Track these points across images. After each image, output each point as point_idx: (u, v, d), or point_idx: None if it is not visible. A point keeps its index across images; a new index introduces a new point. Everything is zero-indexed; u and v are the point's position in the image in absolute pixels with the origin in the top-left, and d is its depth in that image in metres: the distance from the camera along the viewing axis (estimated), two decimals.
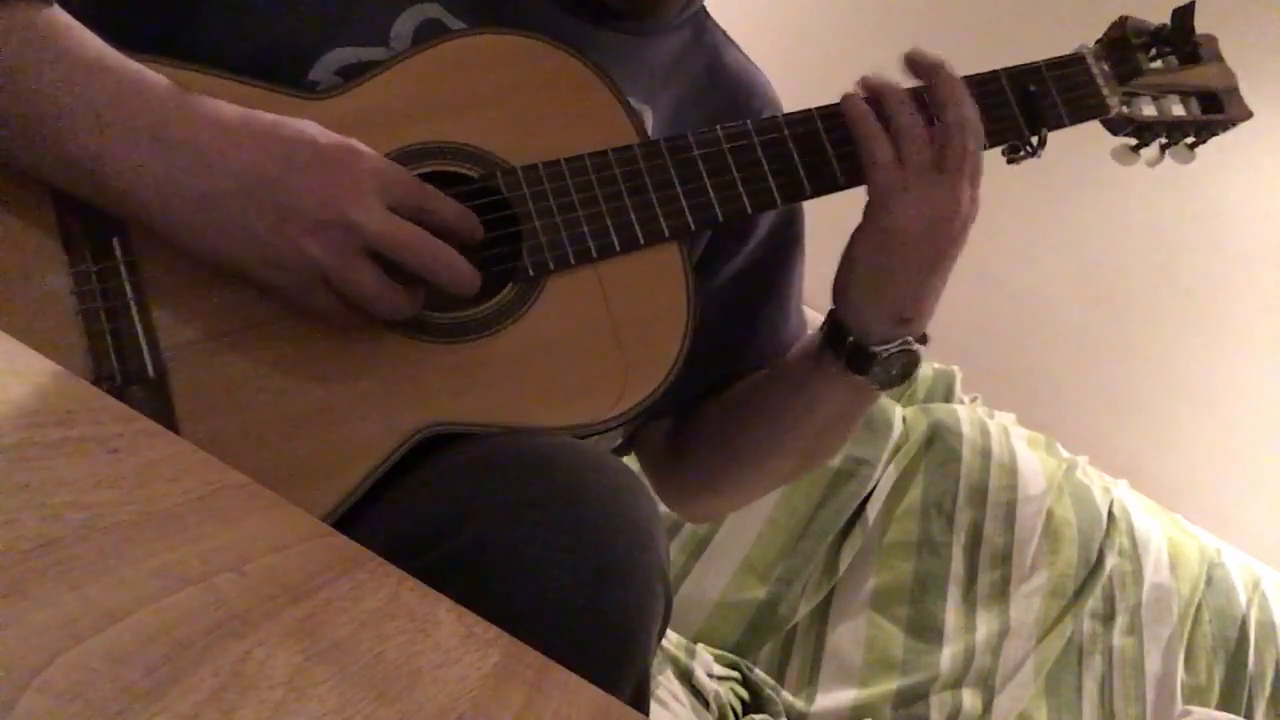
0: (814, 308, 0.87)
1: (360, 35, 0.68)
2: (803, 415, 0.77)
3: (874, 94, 0.69)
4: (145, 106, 0.55)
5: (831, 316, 0.73)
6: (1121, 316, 1.92)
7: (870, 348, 0.71)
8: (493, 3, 0.72)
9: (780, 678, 1.49)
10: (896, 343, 0.71)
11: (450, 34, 0.68)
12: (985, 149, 0.74)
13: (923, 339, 0.73)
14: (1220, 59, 0.85)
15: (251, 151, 0.56)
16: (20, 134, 0.54)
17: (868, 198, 0.70)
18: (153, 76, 0.57)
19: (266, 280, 0.57)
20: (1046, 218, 1.89)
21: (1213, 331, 1.89)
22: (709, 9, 0.85)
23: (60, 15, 0.56)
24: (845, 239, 0.72)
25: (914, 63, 0.70)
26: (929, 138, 0.67)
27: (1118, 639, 1.56)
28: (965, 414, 1.64)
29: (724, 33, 0.86)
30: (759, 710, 1.40)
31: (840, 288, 0.72)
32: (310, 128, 0.58)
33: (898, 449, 1.58)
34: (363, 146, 0.59)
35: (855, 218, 0.71)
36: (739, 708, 1.39)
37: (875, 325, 0.71)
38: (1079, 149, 0.82)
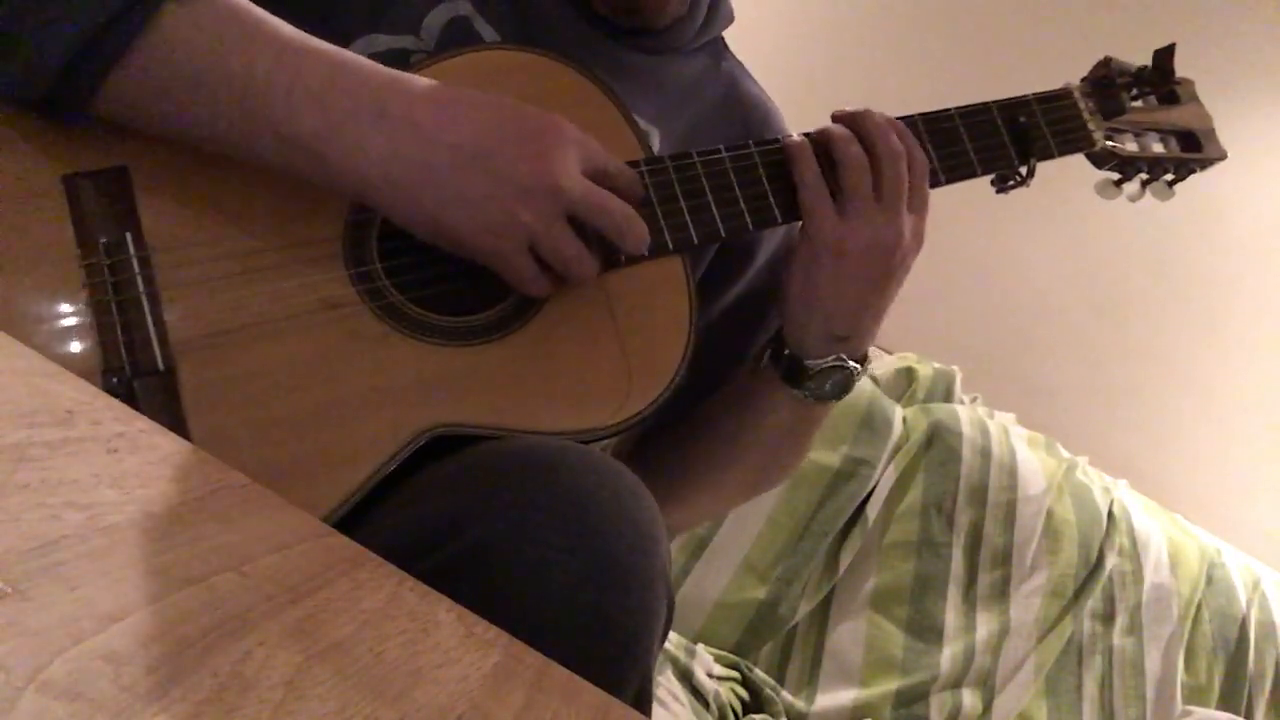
0: None
1: (394, 24, 0.70)
2: (751, 427, 0.78)
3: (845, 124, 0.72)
4: (362, 84, 0.58)
5: (776, 331, 0.76)
6: (1121, 316, 1.92)
7: (804, 361, 0.73)
8: (520, 9, 0.73)
9: (780, 678, 1.49)
10: (830, 359, 0.73)
11: (462, 49, 0.69)
12: (977, 176, 0.77)
13: (863, 359, 0.75)
14: (1197, 100, 0.89)
15: (467, 124, 0.59)
16: (237, 117, 0.56)
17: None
18: (358, 57, 0.59)
19: (481, 246, 0.60)
20: (1046, 218, 1.89)
21: (1213, 331, 1.89)
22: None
23: (246, 1, 0.58)
24: None
25: (840, 115, 0.73)
26: (866, 166, 0.70)
27: (1118, 639, 1.56)
28: (965, 414, 1.64)
29: (740, 64, 0.87)
30: (759, 710, 1.40)
31: (780, 301, 0.74)
32: (512, 101, 0.61)
33: (898, 449, 1.58)
34: (562, 119, 0.62)
35: None
36: (739, 708, 1.39)
37: (810, 340, 0.73)
38: (1068, 157, 0.84)
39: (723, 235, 0.70)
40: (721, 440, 0.80)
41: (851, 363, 0.74)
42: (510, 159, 0.58)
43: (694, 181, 0.69)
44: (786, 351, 0.74)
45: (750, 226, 0.71)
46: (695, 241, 0.69)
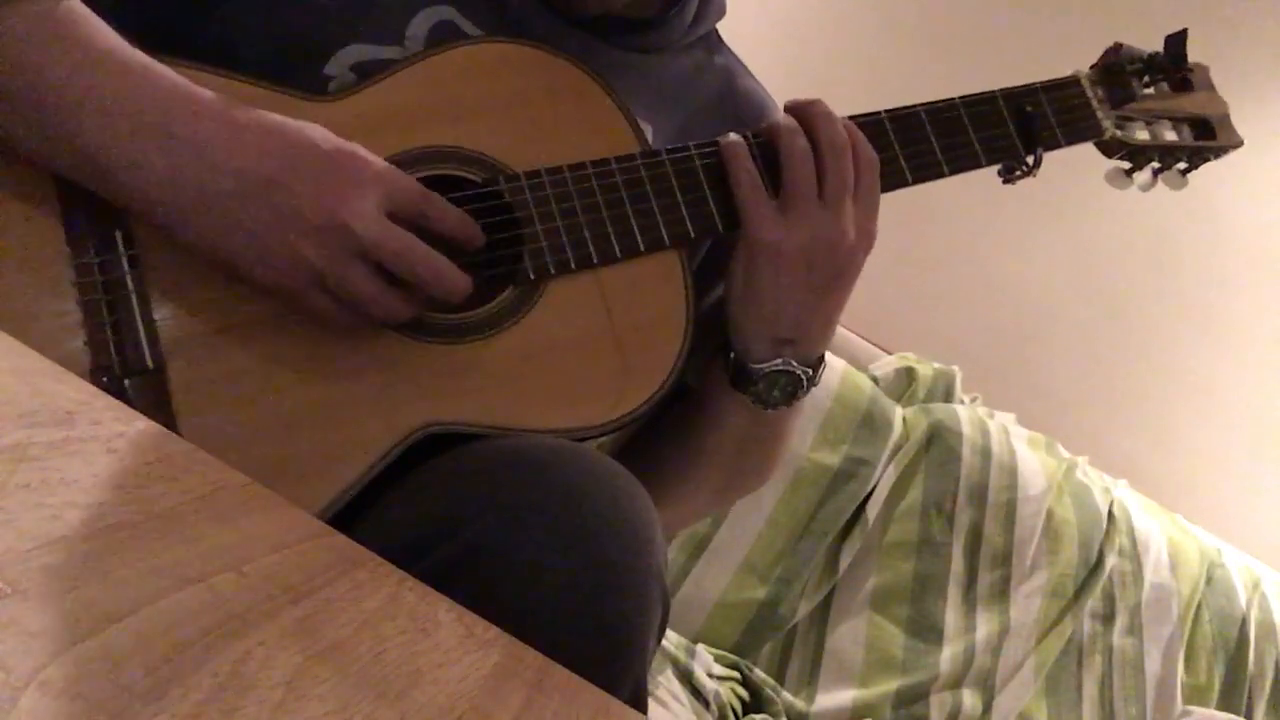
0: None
1: (376, 34, 0.69)
2: (709, 432, 0.76)
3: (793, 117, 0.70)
4: (152, 101, 0.56)
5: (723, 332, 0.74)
6: (1121, 316, 1.92)
7: (749, 365, 0.70)
8: (503, 10, 0.72)
9: (780, 678, 1.49)
10: (776, 362, 0.70)
11: (457, 41, 0.68)
12: (981, 167, 0.75)
13: (815, 363, 0.72)
14: (1211, 87, 0.87)
15: (255, 151, 0.56)
16: (35, 126, 0.55)
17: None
18: (162, 71, 0.57)
19: (262, 279, 0.57)
20: (1046, 218, 1.89)
21: (1213, 332, 1.89)
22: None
23: (77, 6, 0.57)
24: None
25: (791, 106, 0.71)
26: (810, 159, 0.68)
27: (1118, 639, 1.56)
28: (965, 414, 1.64)
29: (736, 58, 0.86)
30: (759, 710, 1.40)
31: (723, 303, 0.72)
32: (316, 131, 0.58)
33: (898, 449, 1.58)
34: (366, 152, 0.59)
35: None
36: (739, 708, 1.39)
37: (753, 343, 0.70)
38: (1078, 149, 0.83)
39: (719, 229, 0.69)
40: (683, 446, 0.78)
41: (800, 367, 0.70)
42: (296, 193, 0.56)
43: (691, 175, 0.69)
44: (732, 355, 0.71)
45: (698, 231, 0.69)
46: (692, 236, 0.68)
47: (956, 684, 1.47)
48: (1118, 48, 0.83)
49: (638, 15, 0.76)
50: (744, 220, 0.68)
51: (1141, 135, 0.83)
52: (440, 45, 0.68)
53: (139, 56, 0.57)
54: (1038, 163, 0.77)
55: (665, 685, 1.30)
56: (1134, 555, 1.60)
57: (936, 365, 1.75)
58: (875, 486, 1.55)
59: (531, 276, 0.65)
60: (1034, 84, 0.78)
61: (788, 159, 0.68)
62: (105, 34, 0.57)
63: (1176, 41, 0.83)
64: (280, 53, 0.66)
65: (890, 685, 1.45)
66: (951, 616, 1.51)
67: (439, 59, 0.67)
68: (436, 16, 0.70)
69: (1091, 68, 0.82)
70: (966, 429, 1.61)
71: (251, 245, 0.56)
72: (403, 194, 0.59)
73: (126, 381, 0.56)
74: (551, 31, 0.73)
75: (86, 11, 0.57)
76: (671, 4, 0.78)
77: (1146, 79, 0.83)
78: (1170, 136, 0.84)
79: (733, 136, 0.69)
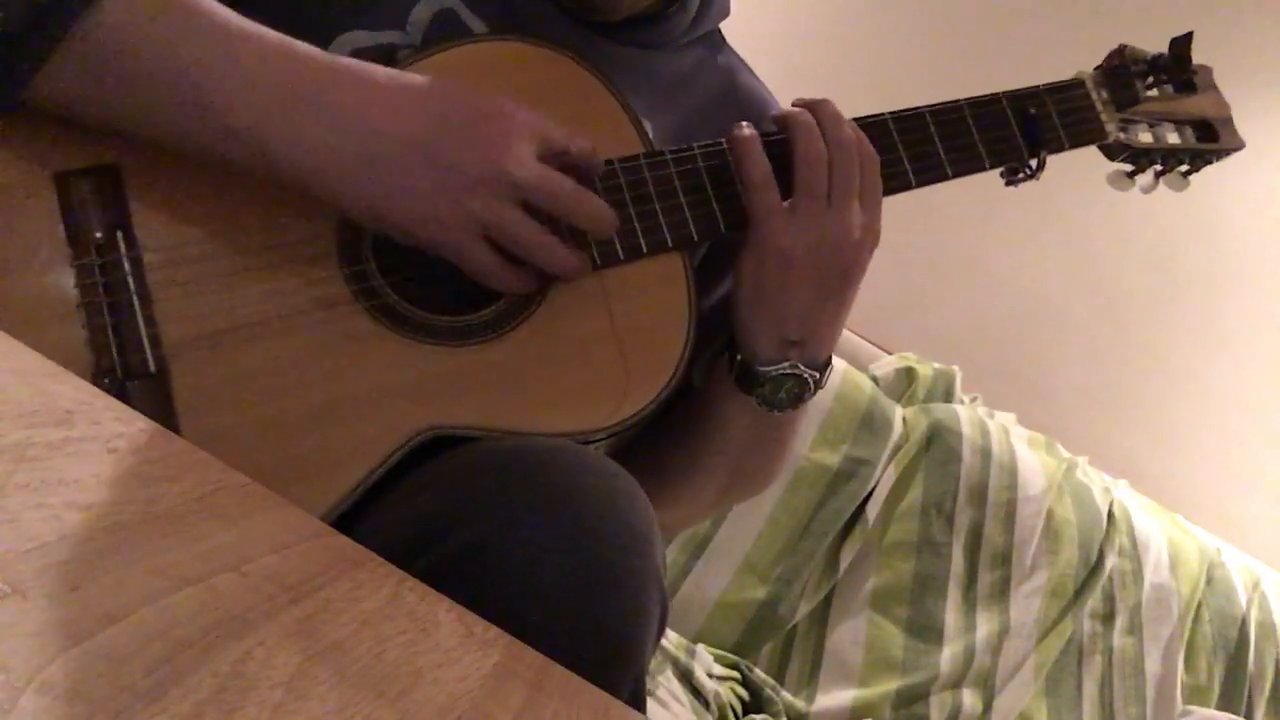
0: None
1: (379, 19, 0.69)
2: (714, 433, 0.76)
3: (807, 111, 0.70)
4: (300, 73, 0.56)
5: (730, 335, 0.73)
6: (1121, 316, 1.92)
7: (755, 367, 0.70)
8: (503, 4, 0.72)
9: (780, 678, 1.49)
10: (784, 365, 0.69)
11: (460, 40, 0.68)
12: (985, 170, 0.75)
13: (822, 366, 0.71)
14: (1215, 89, 0.87)
15: (409, 112, 0.57)
16: (179, 107, 0.55)
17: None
18: (299, 44, 0.58)
19: (427, 237, 0.58)
20: (1047, 218, 1.89)
21: (1213, 332, 1.89)
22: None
23: None
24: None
25: (800, 104, 0.70)
26: (825, 161, 0.67)
27: (1118, 639, 1.56)
28: (965, 414, 1.64)
29: (739, 57, 0.86)
30: (759, 710, 1.40)
31: (730, 304, 0.71)
32: (459, 86, 0.60)
33: (898, 449, 1.58)
34: (511, 101, 0.60)
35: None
36: (739, 708, 1.39)
37: (760, 345, 0.70)
38: (1078, 150, 0.83)
39: (722, 231, 0.69)
40: (686, 448, 0.78)
41: (807, 370, 0.70)
42: (455, 147, 0.57)
43: (694, 176, 0.68)
44: (739, 357, 0.71)
45: (723, 228, 0.69)
46: (695, 239, 0.68)
47: (956, 684, 1.47)
48: (1122, 49, 0.82)
49: (640, 10, 0.76)
50: (755, 221, 0.68)
51: (1145, 138, 0.83)
52: (442, 43, 0.67)
53: (271, 31, 0.57)
54: (1041, 165, 0.76)
55: (665, 685, 1.30)
56: (1134, 555, 1.60)
57: (936, 365, 1.75)
58: (875, 486, 1.55)
59: None
60: (1038, 86, 0.78)
61: (803, 159, 0.67)
62: (228, 10, 0.57)
63: (1182, 44, 0.83)
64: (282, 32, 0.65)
65: (890, 685, 1.45)
66: (951, 616, 1.51)
67: (441, 57, 0.67)
68: (439, 4, 0.70)
69: (1096, 69, 0.82)
70: (966, 429, 1.61)
71: (415, 205, 0.57)
72: (553, 135, 0.61)
73: (128, 385, 0.56)
74: (553, 26, 0.73)
75: None
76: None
77: (1151, 81, 0.83)
78: (1173, 139, 0.84)
79: (746, 130, 0.68)
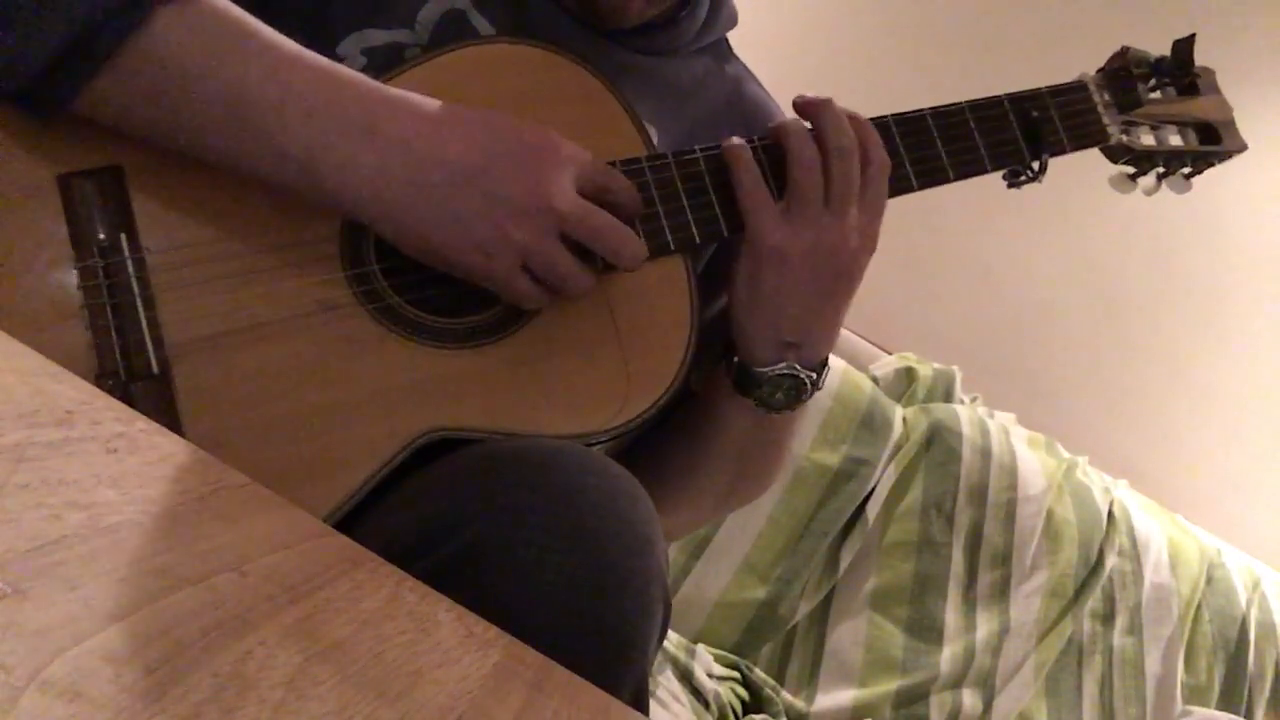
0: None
1: (388, 18, 0.70)
2: (715, 436, 0.76)
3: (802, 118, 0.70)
4: (354, 100, 0.57)
5: (727, 338, 0.74)
6: (1121, 316, 1.92)
7: (753, 369, 0.71)
8: (512, 6, 0.73)
9: (780, 678, 1.49)
10: (780, 366, 0.70)
11: (466, 41, 0.68)
12: (987, 172, 0.75)
13: (819, 367, 0.72)
14: (1218, 91, 0.86)
15: (459, 142, 0.58)
16: (227, 126, 0.55)
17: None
18: (350, 71, 0.59)
19: (472, 266, 0.59)
20: (1047, 218, 1.89)
21: (1213, 332, 1.89)
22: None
23: (238, 9, 0.57)
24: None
25: (801, 104, 0.70)
26: (818, 165, 0.68)
27: (1118, 639, 1.56)
28: (965, 414, 1.64)
29: (745, 67, 0.86)
30: (759, 710, 1.40)
31: (728, 306, 0.72)
32: (505, 118, 0.61)
33: (898, 449, 1.58)
34: (555, 133, 0.61)
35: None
36: (739, 708, 1.39)
37: (756, 346, 0.70)
38: (1080, 152, 0.83)
39: (725, 234, 0.69)
40: (687, 451, 0.78)
41: (804, 371, 0.71)
42: (503, 178, 0.58)
43: (697, 180, 0.68)
44: (736, 359, 0.71)
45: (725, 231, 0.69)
46: (698, 241, 0.68)
47: (956, 684, 1.47)
48: (1124, 51, 0.82)
49: (649, 17, 0.76)
50: (748, 224, 0.68)
51: (1147, 141, 0.83)
52: (448, 45, 0.67)
53: (321, 57, 0.58)
54: (1043, 168, 0.76)
55: (665, 685, 1.30)
56: (1134, 555, 1.60)
57: (936, 365, 1.75)
58: (875, 486, 1.55)
59: None
60: (1040, 88, 0.78)
61: (795, 164, 0.68)
62: (272, 31, 0.58)
63: (1184, 46, 0.82)
64: (292, 31, 0.66)
65: (890, 685, 1.45)
66: (951, 616, 1.51)
67: (448, 58, 0.67)
68: (448, 4, 0.71)
69: (1098, 71, 0.82)
70: (966, 429, 1.61)
71: (464, 233, 0.58)
72: (594, 169, 0.62)
73: (131, 386, 0.56)
74: (561, 31, 0.73)
75: (243, 11, 0.57)
76: (681, 6, 0.77)
77: (1153, 83, 0.83)
78: (1176, 142, 0.84)
79: (735, 140, 0.69)
